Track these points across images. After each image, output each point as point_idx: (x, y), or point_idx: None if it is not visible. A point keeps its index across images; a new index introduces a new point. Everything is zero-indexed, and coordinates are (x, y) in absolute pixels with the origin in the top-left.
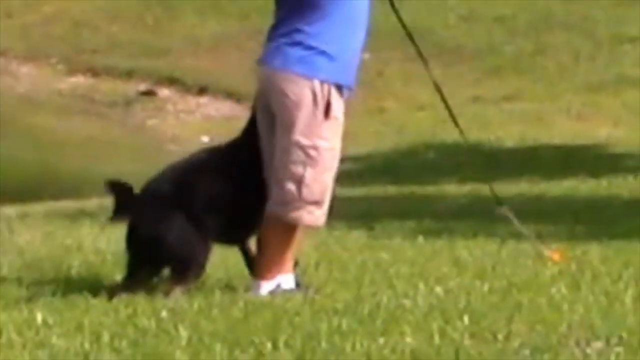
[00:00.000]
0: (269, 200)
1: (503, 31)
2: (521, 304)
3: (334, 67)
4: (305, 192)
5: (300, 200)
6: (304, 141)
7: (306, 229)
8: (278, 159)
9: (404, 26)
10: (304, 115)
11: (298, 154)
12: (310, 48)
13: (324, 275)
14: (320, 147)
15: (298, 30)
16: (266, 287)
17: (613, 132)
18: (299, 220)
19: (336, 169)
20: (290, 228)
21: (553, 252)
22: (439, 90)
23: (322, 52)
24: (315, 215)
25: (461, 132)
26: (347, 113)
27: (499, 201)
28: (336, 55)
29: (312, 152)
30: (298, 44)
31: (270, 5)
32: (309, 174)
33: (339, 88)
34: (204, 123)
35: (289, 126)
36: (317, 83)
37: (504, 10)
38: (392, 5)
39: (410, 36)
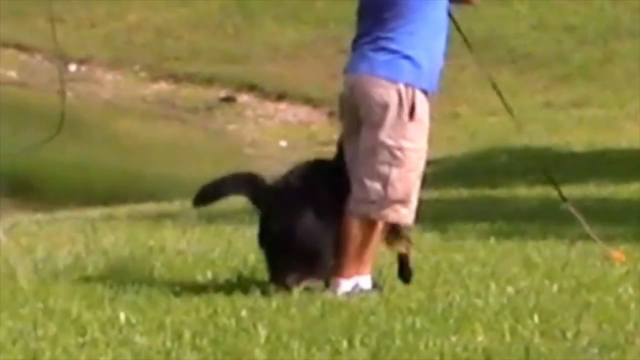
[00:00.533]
0: (351, 199)
1: (572, 39)
2: (590, 303)
3: (418, 71)
4: (390, 190)
5: (385, 199)
6: (390, 142)
7: (391, 228)
8: (364, 159)
9: (458, 29)
10: (390, 116)
11: (384, 154)
12: (394, 52)
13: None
14: (405, 148)
15: (381, 38)
16: (345, 285)
17: None
18: (384, 218)
19: (422, 170)
20: (372, 227)
21: (617, 253)
22: (495, 88)
23: (406, 57)
24: (401, 214)
25: (512, 116)
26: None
27: (563, 198)
28: (419, 59)
29: (398, 153)
30: (382, 49)
31: (347, 14)
32: (394, 173)
33: (424, 92)
34: (282, 128)
35: (376, 127)
36: (402, 86)
37: (573, 19)
38: (449, 14)
39: (466, 41)
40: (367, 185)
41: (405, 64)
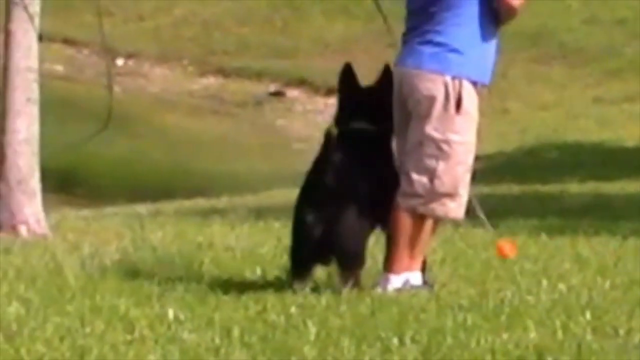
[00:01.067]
0: (399, 193)
1: (623, 33)
2: None
3: (465, 62)
4: (437, 184)
5: (432, 193)
6: (437, 135)
7: (441, 225)
8: (411, 153)
9: (379, 9)
10: (437, 109)
11: (431, 148)
12: (440, 45)
13: (449, 271)
14: (452, 141)
15: (429, 31)
16: (395, 281)
17: None
18: (432, 212)
19: (470, 164)
20: (421, 221)
21: (507, 244)
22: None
23: (453, 49)
24: (448, 207)
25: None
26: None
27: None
28: (467, 51)
29: (444, 146)
30: (429, 42)
31: (397, 9)
32: (441, 167)
33: (473, 84)
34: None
35: (423, 120)
36: (448, 78)
37: (624, 12)
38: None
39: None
40: (414, 178)
41: (452, 56)
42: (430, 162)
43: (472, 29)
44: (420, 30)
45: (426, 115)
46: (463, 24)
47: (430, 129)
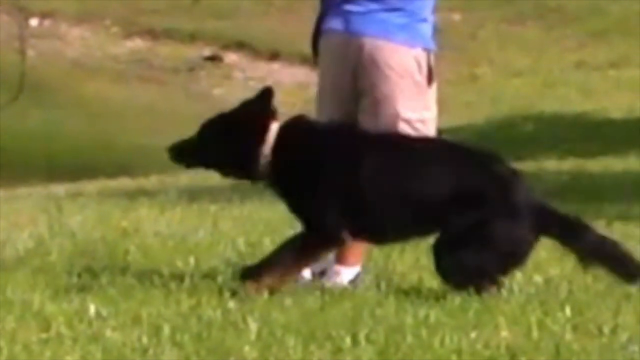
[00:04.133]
0: None
1: None
2: (630, 294)
3: (430, 32)
4: None
5: None
6: (411, 115)
7: None
8: None
9: None
10: (409, 86)
11: (404, 129)
12: (411, 15)
13: (409, 261)
14: (426, 119)
15: None
16: (347, 274)
17: None
18: None
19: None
20: None
21: None
22: None
23: (422, 19)
24: None
25: None
26: (435, 80)
27: None
28: (429, 19)
29: (419, 125)
30: (396, 10)
31: None
32: None
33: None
34: (276, 91)
35: (392, 100)
36: (419, 51)
37: None
38: None
39: None
40: None
41: (422, 27)
42: None
43: None
44: None
45: (397, 94)
46: None
47: (405, 110)
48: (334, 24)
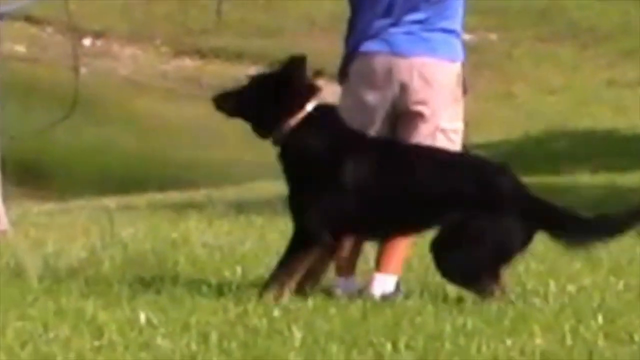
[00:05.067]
0: None
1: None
2: None
3: (462, 45)
4: None
5: None
6: (447, 125)
7: None
8: None
9: None
10: (449, 99)
11: (442, 140)
12: (449, 32)
13: None
14: (459, 129)
15: (437, 15)
16: (390, 282)
17: None
18: None
19: None
20: None
21: None
22: None
23: (457, 35)
24: None
25: None
26: (472, 97)
27: None
28: (461, 33)
29: (453, 136)
30: (437, 29)
31: None
32: None
33: None
34: None
35: (437, 113)
36: (458, 64)
37: None
38: None
39: None
40: None
41: (458, 41)
42: None
43: (458, 5)
44: (422, 15)
45: (438, 107)
46: (460, 6)
47: (441, 120)
48: (377, 46)
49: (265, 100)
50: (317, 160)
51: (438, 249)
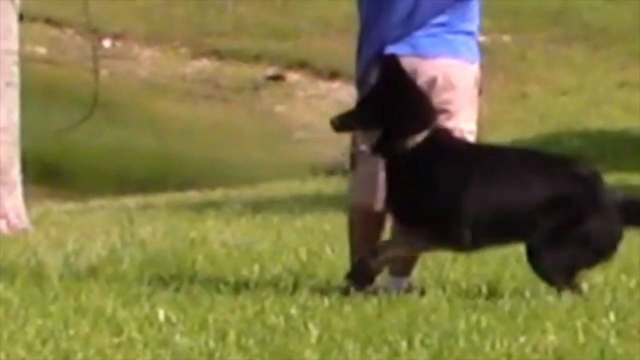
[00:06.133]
0: None
1: None
2: None
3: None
4: None
5: None
6: (464, 126)
7: None
8: None
9: None
10: (468, 101)
11: None
12: (468, 34)
13: (461, 269)
14: (473, 130)
15: (458, 18)
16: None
17: None
18: None
19: None
20: None
21: None
22: None
23: (475, 36)
24: None
25: None
26: (487, 99)
27: None
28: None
29: (469, 137)
30: (459, 32)
31: None
32: None
33: None
34: (336, 109)
35: (459, 113)
36: (477, 66)
37: None
38: None
39: None
40: None
41: (475, 43)
42: None
43: (475, 6)
44: (443, 18)
45: (457, 108)
46: (477, 8)
47: (459, 121)
48: (400, 49)
49: (387, 118)
50: (449, 169)
51: (539, 249)
